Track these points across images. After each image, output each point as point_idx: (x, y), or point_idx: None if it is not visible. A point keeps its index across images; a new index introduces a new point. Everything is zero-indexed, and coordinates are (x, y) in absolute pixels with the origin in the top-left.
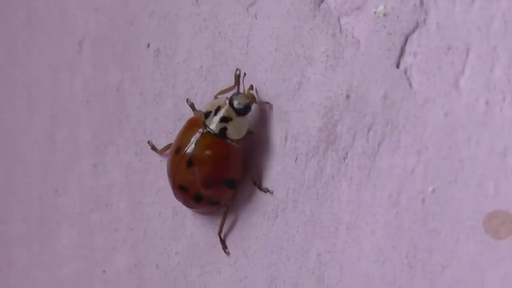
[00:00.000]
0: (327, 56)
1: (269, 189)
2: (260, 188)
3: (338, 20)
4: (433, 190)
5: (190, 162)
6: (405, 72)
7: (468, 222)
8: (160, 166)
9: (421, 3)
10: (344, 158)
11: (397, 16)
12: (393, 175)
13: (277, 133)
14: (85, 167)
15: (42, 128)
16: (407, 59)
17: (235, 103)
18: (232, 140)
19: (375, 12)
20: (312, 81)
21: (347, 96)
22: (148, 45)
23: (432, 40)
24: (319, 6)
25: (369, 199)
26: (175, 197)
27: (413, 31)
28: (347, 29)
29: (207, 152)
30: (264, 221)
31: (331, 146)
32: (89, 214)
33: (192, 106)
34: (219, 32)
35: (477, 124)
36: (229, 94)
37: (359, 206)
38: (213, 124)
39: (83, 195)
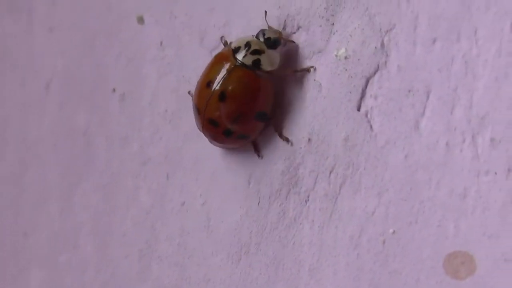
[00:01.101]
0: (290, 99)
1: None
2: (281, 136)
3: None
4: (394, 232)
5: (223, 95)
6: (366, 115)
7: (429, 262)
8: (126, 208)
9: (382, 45)
10: (306, 201)
11: (358, 59)
12: (354, 217)
13: (241, 176)
14: (53, 209)
15: (11, 171)
16: (368, 102)
17: (266, 36)
18: (264, 73)
19: (336, 55)
20: (274, 124)
21: (309, 139)
22: (114, 89)
23: (393, 82)
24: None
25: (330, 241)
26: (203, 131)
27: (374, 73)
28: (309, 72)
29: (241, 84)
30: (228, 263)
31: (294, 189)
32: (58, 256)
33: (225, 43)
34: (183, 76)
35: (437, 165)
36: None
37: (321, 248)
38: (246, 57)
39: (52, 237)
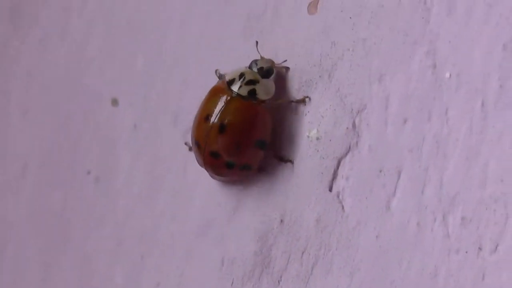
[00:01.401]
0: (262, 181)
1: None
2: (282, 159)
3: (273, 145)
4: None
5: (223, 127)
6: (338, 195)
7: None
8: None
9: (353, 126)
10: (278, 281)
11: (330, 140)
12: None
13: (214, 256)
14: None
15: None
16: (339, 183)
17: (258, 67)
18: (260, 102)
19: (308, 136)
20: (247, 206)
21: (281, 221)
22: (89, 171)
23: (364, 163)
24: None
25: None
26: (204, 166)
27: (346, 154)
28: (281, 154)
29: (239, 115)
30: None
31: (266, 269)
32: None
33: (220, 76)
34: (157, 159)
35: (408, 245)
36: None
37: None
38: (241, 88)
39: None
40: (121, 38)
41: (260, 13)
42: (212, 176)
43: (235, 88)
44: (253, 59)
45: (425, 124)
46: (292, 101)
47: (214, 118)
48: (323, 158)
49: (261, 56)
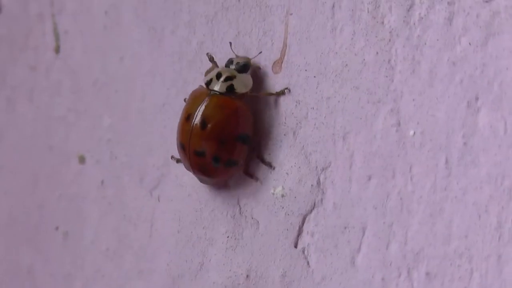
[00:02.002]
0: (228, 237)
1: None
2: (263, 162)
3: (238, 202)
4: None
5: (204, 123)
6: (303, 251)
7: None
8: None
9: (318, 183)
10: None
11: (295, 197)
12: None
13: None
14: None
15: None
16: (304, 239)
17: (234, 63)
18: (240, 95)
19: (273, 193)
20: (213, 262)
21: (247, 276)
22: (57, 227)
23: (329, 220)
24: (219, 188)
25: None
26: (191, 169)
27: (311, 211)
28: (246, 210)
29: (218, 110)
30: None
31: None
32: None
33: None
34: (124, 215)
35: None
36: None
37: None
38: (218, 85)
39: None
40: (88, 97)
41: None
42: (200, 179)
43: (213, 86)
44: (228, 58)
45: (389, 181)
46: (272, 94)
47: (195, 117)
48: (288, 214)
49: (236, 55)
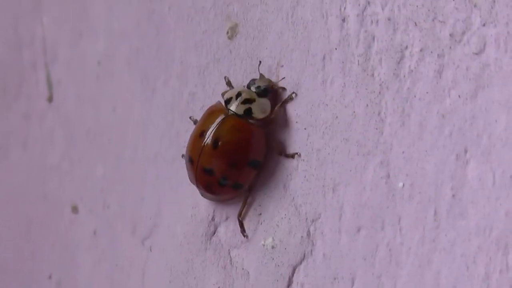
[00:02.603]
0: (219, 287)
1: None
2: (286, 155)
3: (229, 253)
4: None
5: (216, 143)
6: None
7: None
8: None
9: (308, 234)
10: None
11: (285, 248)
12: None
13: None
14: None
15: None
16: None
17: (256, 85)
18: (256, 121)
19: (263, 245)
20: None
21: None
22: (50, 276)
23: (318, 271)
24: (210, 239)
25: None
26: (196, 183)
27: (300, 262)
28: (237, 261)
29: (233, 133)
30: None
31: None
32: None
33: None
34: (117, 265)
35: None
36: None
37: None
38: (237, 107)
39: None
40: (81, 146)
41: None
42: (202, 195)
43: (231, 106)
44: (251, 78)
45: (378, 232)
46: (282, 105)
47: (208, 135)
48: (278, 265)
49: (260, 74)
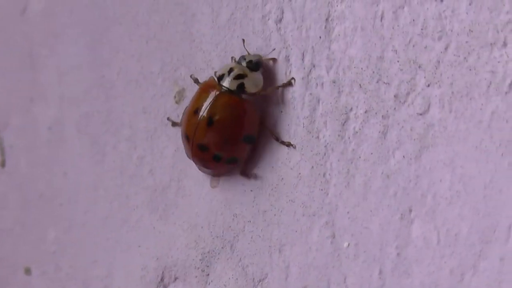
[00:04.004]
0: None
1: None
2: (278, 140)
3: None
4: None
5: (211, 120)
6: None
7: None
8: None
9: None
10: None
11: None
12: None
13: None
14: None
15: None
16: None
17: (247, 60)
18: (249, 96)
19: None
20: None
21: None
22: None
23: None
24: None
25: None
26: (193, 158)
27: None
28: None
29: (227, 109)
30: None
31: None
32: None
33: (196, 81)
34: None
35: None
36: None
37: None
38: (229, 82)
39: None
40: (34, 210)
41: (165, 186)
42: (200, 169)
43: (224, 83)
44: (241, 55)
45: None
46: (279, 87)
47: (203, 112)
48: None
49: (248, 52)
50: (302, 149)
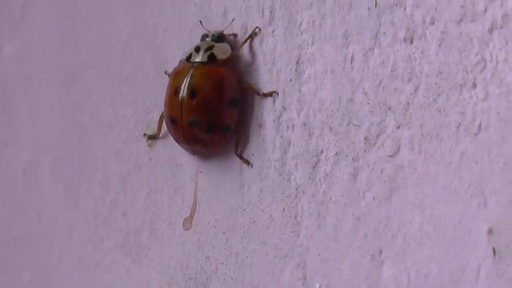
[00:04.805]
0: None
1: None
2: (260, 93)
3: None
4: None
5: (193, 93)
6: None
7: None
8: None
9: None
10: None
11: None
12: None
13: None
14: None
15: None
16: None
17: (210, 36)
18: (222, 63)
19: None
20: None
21: None
22: None
23: None
24: None
25: None
26: (185, 140)
27: None
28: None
29: (205, 79)
30: None
31: None
32: None
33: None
34: None
35: None
36: None
37: None
38: (200, 56)
39: None
40: (8, 253)
41: (138, 229)
42: (194, 151)
43: (195, 59)
44: (202, 34)
45: None
46: (247, 39)
47: (183, 89)
48: None
49: (207, 30)
50: (273, 191)
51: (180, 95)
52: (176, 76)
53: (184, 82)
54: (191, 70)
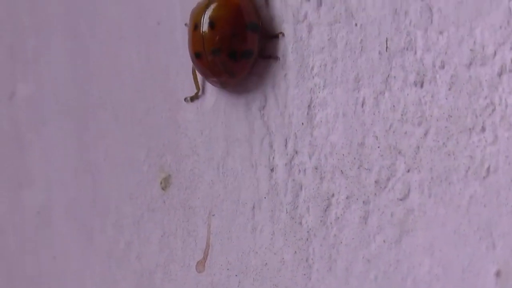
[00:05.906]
0: None
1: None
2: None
3: None
4: None
5: (212, 24)
6: None
7: None
8: None
9: None
10: None
11: None
12: None
13: None
14: None
15: None
16: None
17: None
18: None
19: None
20: None
21: None
22: None
23: None
24: None
25: None
26: (210, 71)
27: None
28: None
29: (223, 8)
30: None
31: None
32: None
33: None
34: None
35: None
36: None
37: None
38: None
39: None
40: None
41: (152, 271)
42: (221, 84)
43: None
44: None
45: None
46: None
47: (202, 22)
48: None
49: None
50: (285, 234)
51: (201, 30)
52: (195, 14)
53: (202, 16)
54: (208, 5)
